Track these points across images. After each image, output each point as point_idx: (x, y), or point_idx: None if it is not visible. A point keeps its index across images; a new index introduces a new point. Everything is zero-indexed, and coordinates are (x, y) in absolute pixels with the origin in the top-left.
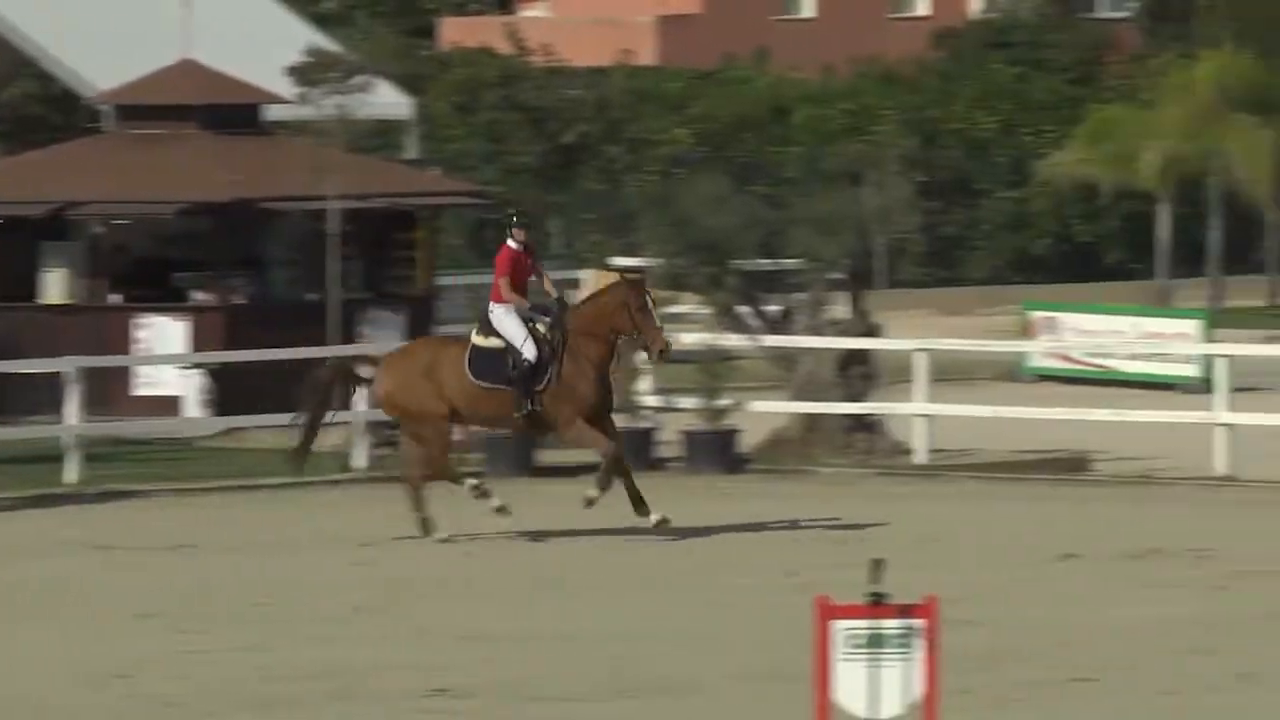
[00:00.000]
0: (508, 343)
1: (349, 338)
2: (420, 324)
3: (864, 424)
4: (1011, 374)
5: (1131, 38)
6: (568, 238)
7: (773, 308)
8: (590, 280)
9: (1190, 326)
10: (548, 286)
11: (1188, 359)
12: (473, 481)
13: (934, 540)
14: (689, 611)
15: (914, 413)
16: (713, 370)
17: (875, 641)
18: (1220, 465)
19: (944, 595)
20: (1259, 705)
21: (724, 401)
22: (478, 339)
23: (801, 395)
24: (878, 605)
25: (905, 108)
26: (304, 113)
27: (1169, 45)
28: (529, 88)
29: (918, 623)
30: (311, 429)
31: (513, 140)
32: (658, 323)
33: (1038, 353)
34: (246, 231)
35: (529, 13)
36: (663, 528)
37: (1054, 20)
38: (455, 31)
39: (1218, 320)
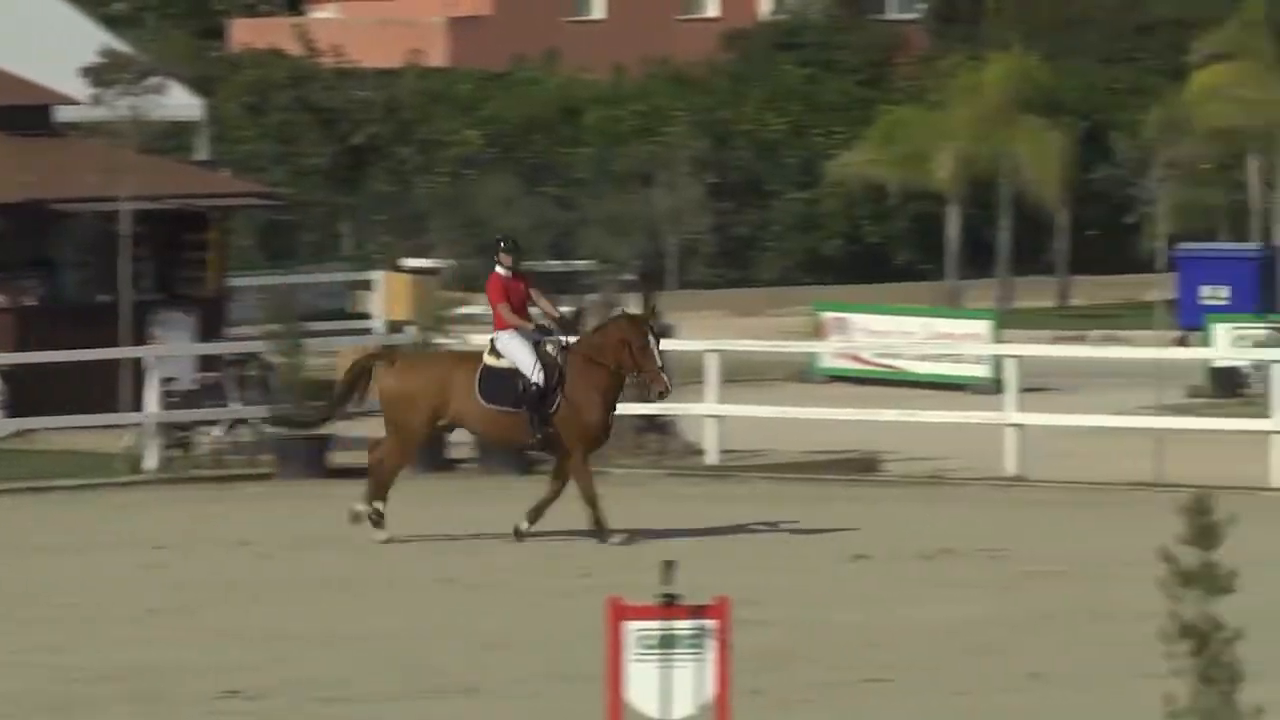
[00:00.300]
0: (516, 367)
1: (141, 339)
2: (212, 325)
3: (656, 425)
4: (802, 375)
5: (921, 39)
6: (358, 239)
7: (564, 308)
8: (382, 282)
9: (980, 327)
10: (548, 309)
11: (977, 360)
12: (376, 508)
13: (726, 541)
14: (483, 612)
15: (705, 413)
16: None
17: (667, 642)
18: (1010, 465)
19: (736, 596)
20: (1050, 705)
21: None
22: (489, 359)
23: None
24: (670, 606)
25: (696, 109)
26: (96, 114)
27: (958, 47)
28: (319, 89)
29: (709, 623)
30: (321, 418)
31: (303, 141)
32: (658, 362)
33: (828, 353)
34: (38, 233)
35: (319, 14)
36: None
37: (843, 22)
38: (245, 33)
39: (1007, 321)
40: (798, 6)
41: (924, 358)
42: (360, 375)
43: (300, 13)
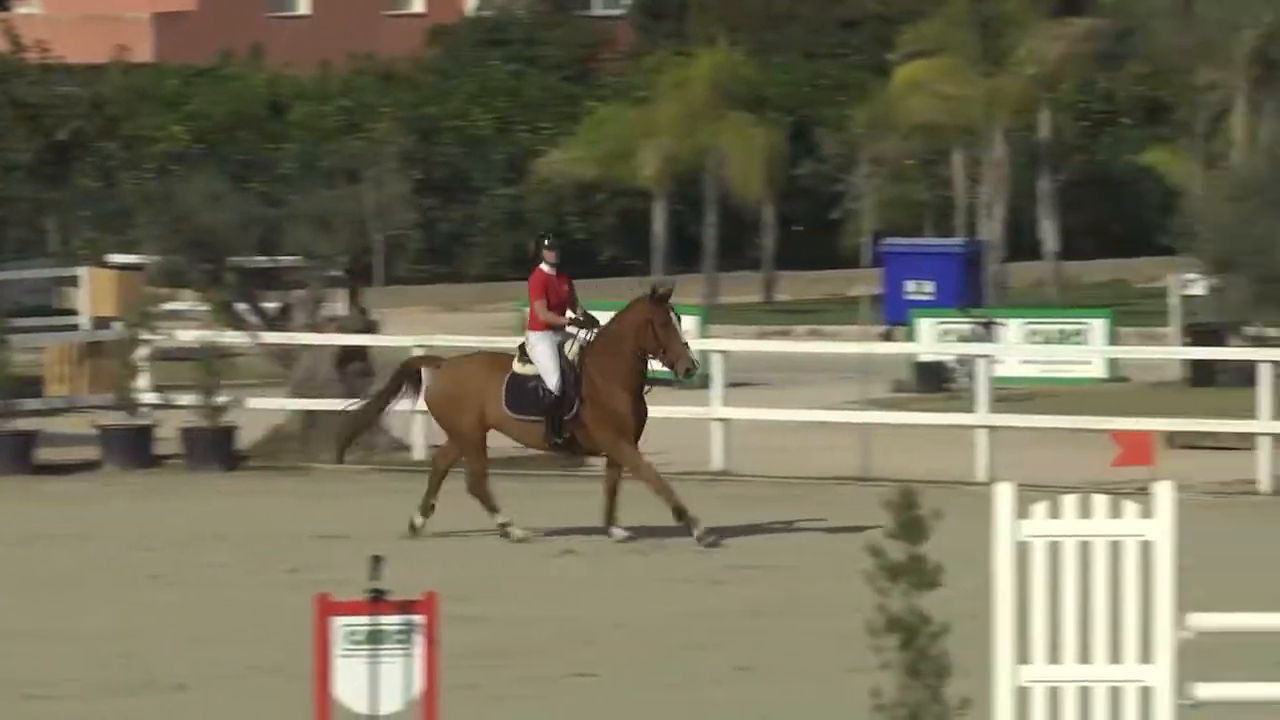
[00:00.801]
0: (539, 373)
1: None
2: None
3: None
4: None
5: (626, 35)
6: (64, 235)
7: (271, 304)
8: (87, 278)
9: (686, 322)
10: (578, 310)
11: None
12: (501, 520)
13: (435, 536)
14: (191, 609)
15: (413, 409)
16: (210, 367)
17: (375, 638)
18: (717, 460)
19: (446, 591)
20: (757, 697)
21: (222, 398)
22: (517, 366)
23: (300, 392)
24: (377, 602)
25: (402, 105)
26: None
27: (664, 43)
28: (24, 84)
29: (417, 619)
30: (366, 419)
31: (8, 137)
32: (682, 339)
33: None
34: None
35: (23, 9)
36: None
37: (548, 18)
38: None
39: (713, 316)
40: (503, 3)
41: None
42: (406, 378)
43: (5, 8)
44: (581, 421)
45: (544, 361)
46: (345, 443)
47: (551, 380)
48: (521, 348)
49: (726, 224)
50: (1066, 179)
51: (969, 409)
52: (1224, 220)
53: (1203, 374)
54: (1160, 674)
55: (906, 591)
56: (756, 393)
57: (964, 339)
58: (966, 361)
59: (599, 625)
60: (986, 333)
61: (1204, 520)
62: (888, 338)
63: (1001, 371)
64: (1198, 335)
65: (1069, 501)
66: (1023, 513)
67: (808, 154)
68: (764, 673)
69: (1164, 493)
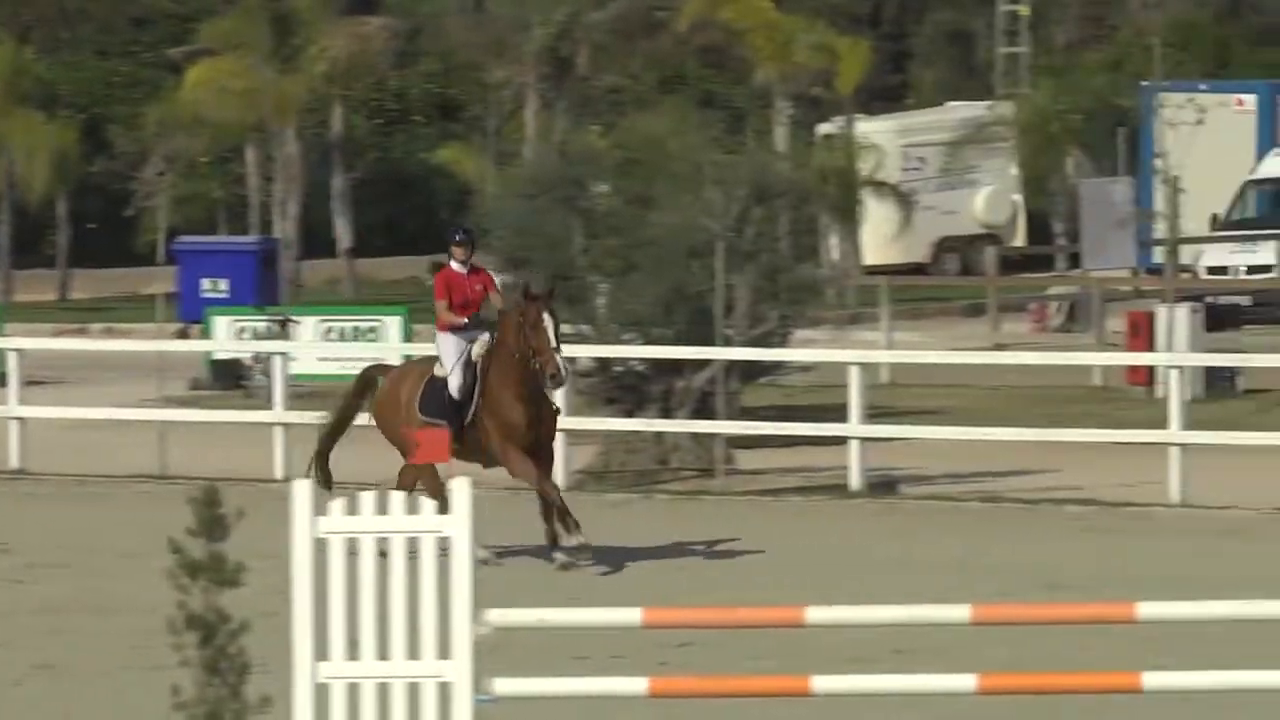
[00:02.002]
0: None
1: None
2: None
3: None
4: None
5: None
6: None
7: None
8: None
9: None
10: (497, 302)
11: None
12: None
13: None
14: None
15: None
16: None
17: None
18: (13, 459)
19: None
20: (57, 696)
21: None
22: (437, 368)
23: None
24: None
25: None
26: None
27: None
28: None
29: None
30: (334, 435)
31: None
32: (552, 342)
33: None
34: None
35: None
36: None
37: None
38: None
39: (8, 314)
40: None
41: None
42: (366, 385)
43: None
44: (483, 426)
45: (446, 361)
46: (323, 460)
47: (453, 383)
48: None
49: (19, 221)
50: (360, 177)
51: (266, 406)
52: (517, 217)
53: None
54: (458, 669)
55: (206, 589)
56: (53, 391)
57: (260, 336)
58: (263, 359)
59: None
60: (282, 330)
61: (498, 516)
62: (183, 335)
63: (298, 369)
64: None
65: (367, 498)
66: (321, 510)
67: (101, 151)
68: (63, 671)
69: (461, 489)
